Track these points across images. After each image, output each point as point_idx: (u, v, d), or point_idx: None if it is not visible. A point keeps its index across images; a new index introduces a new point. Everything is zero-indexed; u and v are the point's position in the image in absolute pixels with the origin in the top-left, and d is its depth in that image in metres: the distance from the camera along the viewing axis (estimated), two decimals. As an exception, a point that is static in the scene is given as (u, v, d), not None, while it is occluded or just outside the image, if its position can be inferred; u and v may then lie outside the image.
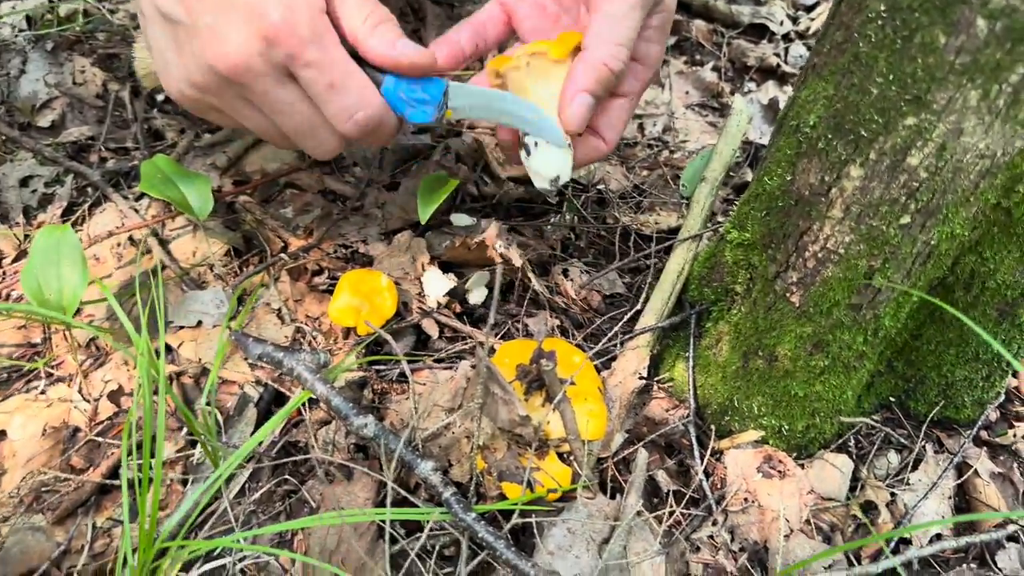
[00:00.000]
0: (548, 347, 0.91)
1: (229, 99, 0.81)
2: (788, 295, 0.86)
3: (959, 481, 0.97)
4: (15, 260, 1.14)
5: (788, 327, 0.87)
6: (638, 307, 1.05)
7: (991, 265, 0.84)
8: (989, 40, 0.64)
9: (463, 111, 0.87)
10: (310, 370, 0.87)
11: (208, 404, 0.94)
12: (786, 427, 0.95)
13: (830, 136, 0.78)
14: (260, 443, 0.93)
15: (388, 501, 0.82)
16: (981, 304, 0.88)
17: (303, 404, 0.97)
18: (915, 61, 0.68)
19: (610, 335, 1.03)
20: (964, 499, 0.98)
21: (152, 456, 0.83)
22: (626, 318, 1.06)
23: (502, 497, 0.86)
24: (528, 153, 0.90)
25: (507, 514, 0.86)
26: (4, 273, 1.12)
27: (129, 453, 0.93)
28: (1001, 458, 1.03)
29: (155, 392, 0.84)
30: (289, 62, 0.77)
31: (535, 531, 0.87)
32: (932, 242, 0.78)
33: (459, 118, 0.89)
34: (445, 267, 1.10)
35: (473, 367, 0.88)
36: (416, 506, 0.86)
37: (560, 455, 0.90)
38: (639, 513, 0.88)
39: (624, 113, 0.92)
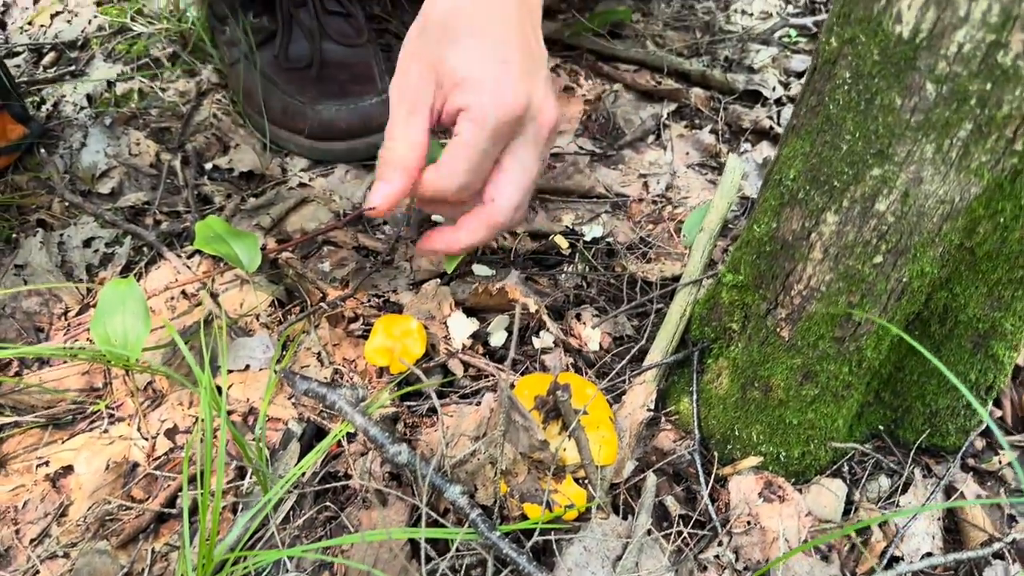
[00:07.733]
0: (563, 380, 1.00)
1: None
2: (779, 330, 0.96)
3: (948, 504, 1.04)
4: (78, 313, 1.25)
5: (780, 359, 0.96)
6: (645, 344, 1.15)
7: (961, 300, 0.93)
8: (938, 101, 0.75)
9: None
10: (350, 403, 0.97)
11: (257, 439, 1.03)
12: (783, 454, 1.03)
13: (808, 187, 0.88)
14: (304, 471, 1.03)
15: (423, 521, 0.90)
16: (956, 336, 0.97)
17: (343, 437, 1.07)
18: (877, 120, 0.79)
19: (619, 370, 1.13)
20: (953, 520, 1.05)
21: (212, 477, 0.92)
22: (634, 356, 1.15)
23: (524, 518, 0.95)
24: None
25: (528, 534, 0.95)
26: (69, 325, 1.24)
27: (189, 481, 1.03)
28: (988, 484, 1.10)
29: (214, 432, 0.94)
30: None
31: (554, 550, 0.96)
32: (904, 279, 0.88)
33: None
34: (469, 312, 1.20)
35: (496, 398, 0.97)
36: (446, 527, 0.95)
37: (576, 480, 0.99)
38: (649, 532, 0.97)
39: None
